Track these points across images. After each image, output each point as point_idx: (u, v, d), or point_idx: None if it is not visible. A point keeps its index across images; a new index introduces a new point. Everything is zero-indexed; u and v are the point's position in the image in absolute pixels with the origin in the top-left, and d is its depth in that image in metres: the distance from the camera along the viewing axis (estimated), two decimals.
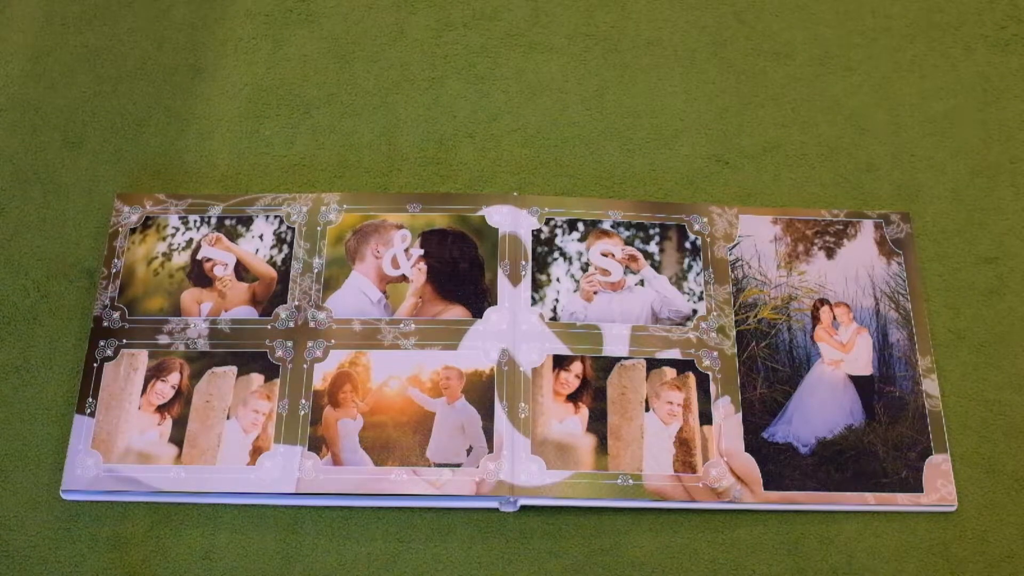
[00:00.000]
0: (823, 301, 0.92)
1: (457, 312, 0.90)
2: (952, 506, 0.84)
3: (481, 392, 0.87)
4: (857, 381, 0.89)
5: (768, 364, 0.89)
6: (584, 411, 0.87)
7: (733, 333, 0.90)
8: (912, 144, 1.01)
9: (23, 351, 0.91)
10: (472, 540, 0.84)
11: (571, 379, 0.88)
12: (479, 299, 0.90)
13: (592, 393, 0.87)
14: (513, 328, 0.89)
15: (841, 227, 0.95)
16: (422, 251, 0.92)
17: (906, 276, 0.93)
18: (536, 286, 0.91)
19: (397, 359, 0.88)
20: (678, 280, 0.92)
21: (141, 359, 0.88)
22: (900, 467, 0.85)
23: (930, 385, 0.88)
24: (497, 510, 0.84)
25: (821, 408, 0.87)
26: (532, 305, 0.90)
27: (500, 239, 0.93)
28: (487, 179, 0.99)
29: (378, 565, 0.83)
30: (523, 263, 0.92)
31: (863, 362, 0.89)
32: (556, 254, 0.93)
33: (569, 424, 0.86)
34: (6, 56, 1.05)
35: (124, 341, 0.89)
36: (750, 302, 0.91)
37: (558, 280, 0.92)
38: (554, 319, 0.90)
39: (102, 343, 0.89)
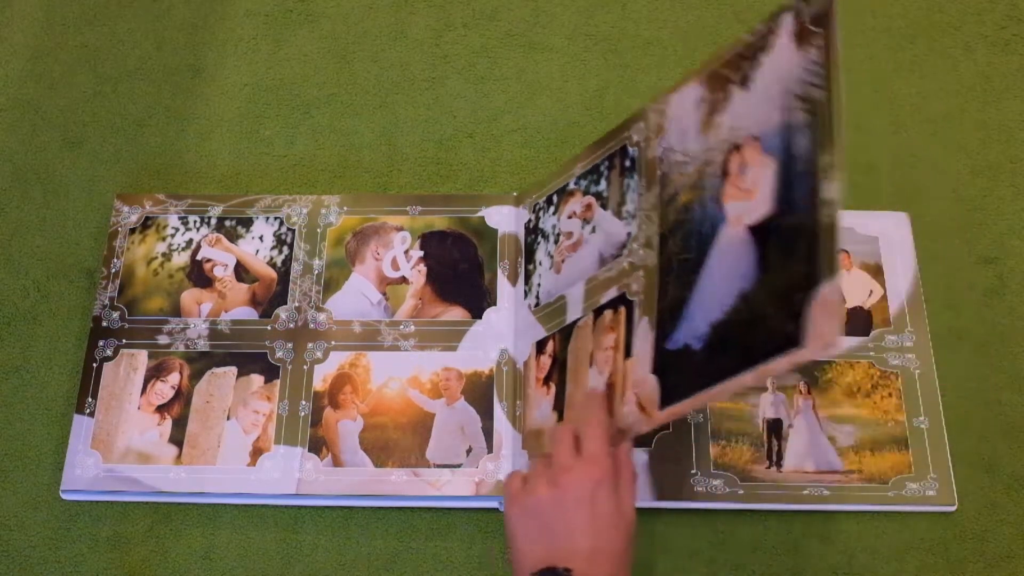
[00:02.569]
0: (734, 147, 0.74)
1: (457, 313, 0.90)
2: (952, 506, 0.84)
3: (480, 393, 0.87)
4: (756, 231, 0.71)
5: (680, 258, 0.75)
6: (552, 391, 0.82)
7: (656, 240, 0.78)
8: (912, 144, 1.01)
9: (23, 351, 0.91)
10: (472, 540, 0.84)
11: (545, 360, 0.84)
12: (479, 300, 0.90)
13: (559, 368, 0.82)
14: (513, 328, 0.89)
15: (758, 41, 0.73)
16: (422, 252, 0.92)
17: (824, 58, 0.72)
18: (526, 277, 0.90)
19: (397, 360, 0.88)
20: (618, 207, 0.83)
21: (141, 359, 0.88)
22: (784, 320, 0.65)
23: (828, 189, 0.66)
24: (497, 510, 0.84)
25: (719, 285, 0.72)
26: (525, 298, 0.89)
27: (499, 239, 0.92)
28: (487, 179, 0.99)
29: (378, 565, 0.83)
30: (522, 263, 0.92)
31: (763, 198, 0.70)
32: (539, 237, 0.90)
33: (544, 408, 0.83)
34: (6, 56, 1.05)
35: (124, 341, 0.89)
36: (672, 193, 0.78)
37: (540, 263, 0.89)
38: (537, 305, 0.87)
39: (102, 343, 0.89)
